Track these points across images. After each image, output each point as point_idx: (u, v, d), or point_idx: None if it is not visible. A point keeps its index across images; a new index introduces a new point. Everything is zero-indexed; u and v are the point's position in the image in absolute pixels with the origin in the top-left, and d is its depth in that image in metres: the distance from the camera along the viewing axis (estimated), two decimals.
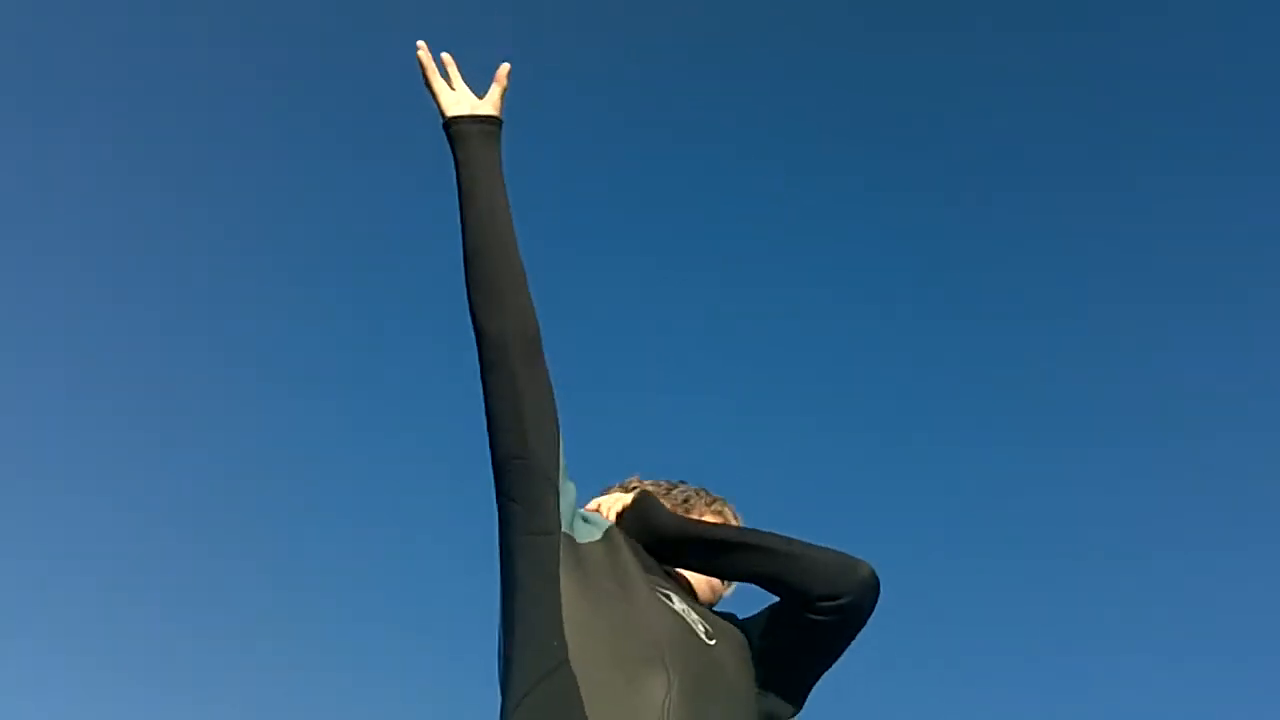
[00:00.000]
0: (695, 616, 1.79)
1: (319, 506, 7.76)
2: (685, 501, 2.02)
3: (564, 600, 1.67)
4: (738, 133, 7.96)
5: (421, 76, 1.99)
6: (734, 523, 2.03)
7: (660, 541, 1.89)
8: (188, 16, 7.53)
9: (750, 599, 1.91)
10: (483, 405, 1.80)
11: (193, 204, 7.69)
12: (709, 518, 2.01)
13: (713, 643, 1.76)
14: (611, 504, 1.97)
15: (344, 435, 7.87)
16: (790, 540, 1.81)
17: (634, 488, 2.03)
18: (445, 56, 2.01)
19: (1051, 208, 7.75)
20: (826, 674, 1.87)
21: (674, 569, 1.92)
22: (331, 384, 7.84)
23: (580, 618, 1.66)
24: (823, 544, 1.81)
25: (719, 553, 1.86)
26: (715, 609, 1.93)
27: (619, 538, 1.85)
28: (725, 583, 1.98)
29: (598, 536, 1.82)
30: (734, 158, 8.04)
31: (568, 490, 1.79)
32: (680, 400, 7.50)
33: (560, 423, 1.80)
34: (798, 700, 1.85)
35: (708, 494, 2.06)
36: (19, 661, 6.76)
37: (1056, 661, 6.67)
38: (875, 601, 1.78)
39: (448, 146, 1.95)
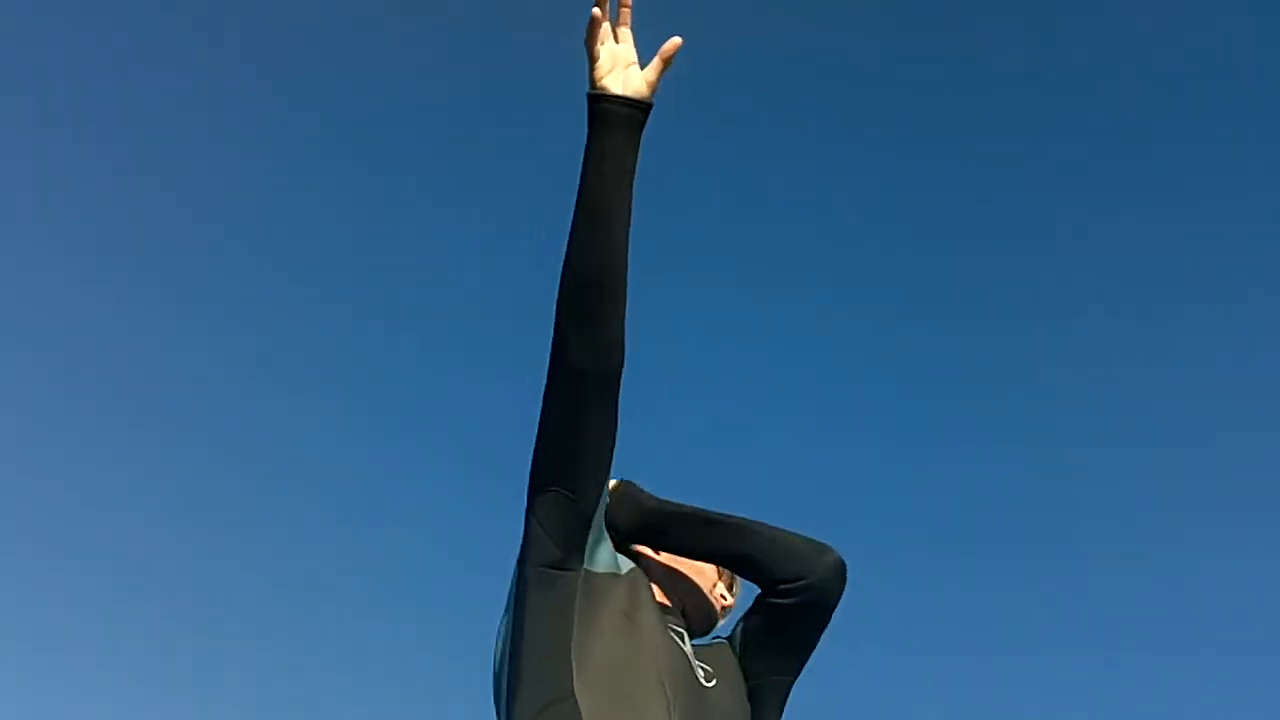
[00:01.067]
0: (699, 660, 1.82)
1: (319, 506, 7.76)
2: None
3: (574, 630, 1.68)
4: (736, 132, 7.96)
5: (586, 32, 1.73)
6: None
7: (644, 517, 1.92)
8: (188, 16, 7.54)
9: None
10: (538, 418, 1.72)
11: (193, 204, 7.69)
12: None
13: (711, 684, 1.80)
14: None
15: (344, 435, 7.87)
16: (765, 524, 1.88)
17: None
18: None
19: (1051, 208, 7.76)
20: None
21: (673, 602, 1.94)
22: (331, 384, 7.85)
23: (588, 647, 1.67)
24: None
25: (697, 528, 1.90)
26: (707, 637, 1.97)
27: (639, 574, 1.85)
28: (722, 612, 2.00)
29: (621, 571, 1.81)
30: (733, 158, 8.04)
31: (598, 523, 1.77)
32: (680, 400, 7.51)
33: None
34: (776, 710, 1.90)
35: None
36: (19, 661, 6.78)
37: (1056, 661, 6.67)
38: (841, 591, 1.84)
39: (586, 117, 1.71)
